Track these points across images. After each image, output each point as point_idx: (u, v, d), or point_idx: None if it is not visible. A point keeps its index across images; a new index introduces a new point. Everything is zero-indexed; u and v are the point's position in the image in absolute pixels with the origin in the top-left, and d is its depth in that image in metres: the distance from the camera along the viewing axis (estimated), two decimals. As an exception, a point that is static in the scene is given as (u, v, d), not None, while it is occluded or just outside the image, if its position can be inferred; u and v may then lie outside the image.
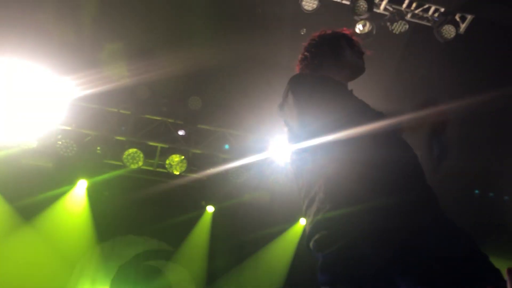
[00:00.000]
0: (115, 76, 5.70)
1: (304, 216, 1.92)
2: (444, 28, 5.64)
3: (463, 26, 5.81)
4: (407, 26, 5.65)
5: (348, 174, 1.82)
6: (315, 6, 5.39)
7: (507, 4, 5.29)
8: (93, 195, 6.64)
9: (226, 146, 6.94)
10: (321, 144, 1.90)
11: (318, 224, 1.77)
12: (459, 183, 6.78)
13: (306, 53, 2.36)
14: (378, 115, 2.03)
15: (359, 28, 5.74)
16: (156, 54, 6.06)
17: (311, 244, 1.81)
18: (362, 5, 5.35)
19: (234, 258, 7.25)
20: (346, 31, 2.43)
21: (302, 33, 5.84)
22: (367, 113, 2.03)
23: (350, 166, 1.84)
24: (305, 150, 1.97)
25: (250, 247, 7.40)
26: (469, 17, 5.79)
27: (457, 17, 5.79)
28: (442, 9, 5.77)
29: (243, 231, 7.23)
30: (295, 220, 7.64)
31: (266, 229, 7.35)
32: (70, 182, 6.54)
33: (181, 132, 6.52)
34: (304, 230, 2.01)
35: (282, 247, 7.58)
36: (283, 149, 6.89)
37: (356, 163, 1.83)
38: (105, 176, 6.51)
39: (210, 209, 7.15)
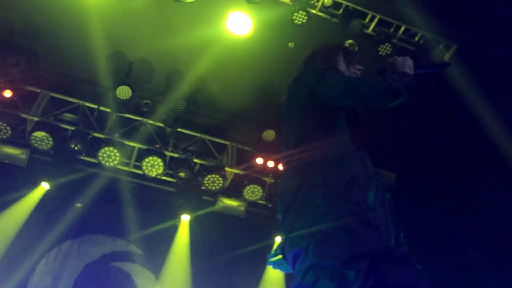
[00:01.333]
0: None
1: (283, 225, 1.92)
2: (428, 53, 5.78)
3: (447, 55, 5.92)
4: (392, 49, 5.73)
5: (323, 190, 1.82)
6: (304, 21, 5.41)
7: (490, 37, 5.43)
8: (63, 192, 6.46)
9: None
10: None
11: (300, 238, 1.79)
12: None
13: (302, 66, 2.37)
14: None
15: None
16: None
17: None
18: (357, 23, 5.41)
19: (211, 269, 7.09)
20: (346, 44, 2.41)
21: (291, 46, 5.85)
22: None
23: (325, 183, 1.84)
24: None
25: (225, 257, 7.25)
26: (454, 46, 5.91)
27: (441, 46, 5.91)
28: (428, 36, 5.88)
29: (217, 240, 7.14)
30: (269, 235, 7.45)
31: (240, 242, 7.21)
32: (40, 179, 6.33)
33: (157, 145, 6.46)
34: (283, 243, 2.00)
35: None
36: (262, 161, 6.88)
37: (334, 178, 1.85)
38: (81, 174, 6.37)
39: (185, 217, 7.01)
